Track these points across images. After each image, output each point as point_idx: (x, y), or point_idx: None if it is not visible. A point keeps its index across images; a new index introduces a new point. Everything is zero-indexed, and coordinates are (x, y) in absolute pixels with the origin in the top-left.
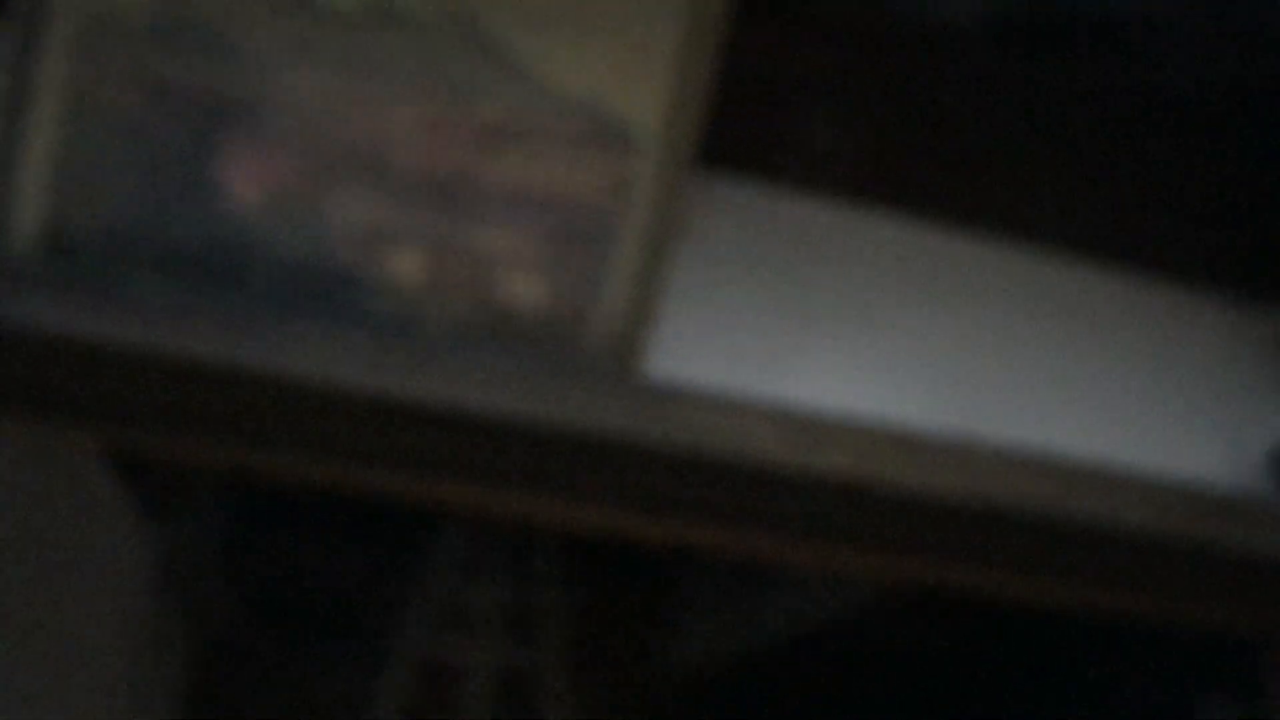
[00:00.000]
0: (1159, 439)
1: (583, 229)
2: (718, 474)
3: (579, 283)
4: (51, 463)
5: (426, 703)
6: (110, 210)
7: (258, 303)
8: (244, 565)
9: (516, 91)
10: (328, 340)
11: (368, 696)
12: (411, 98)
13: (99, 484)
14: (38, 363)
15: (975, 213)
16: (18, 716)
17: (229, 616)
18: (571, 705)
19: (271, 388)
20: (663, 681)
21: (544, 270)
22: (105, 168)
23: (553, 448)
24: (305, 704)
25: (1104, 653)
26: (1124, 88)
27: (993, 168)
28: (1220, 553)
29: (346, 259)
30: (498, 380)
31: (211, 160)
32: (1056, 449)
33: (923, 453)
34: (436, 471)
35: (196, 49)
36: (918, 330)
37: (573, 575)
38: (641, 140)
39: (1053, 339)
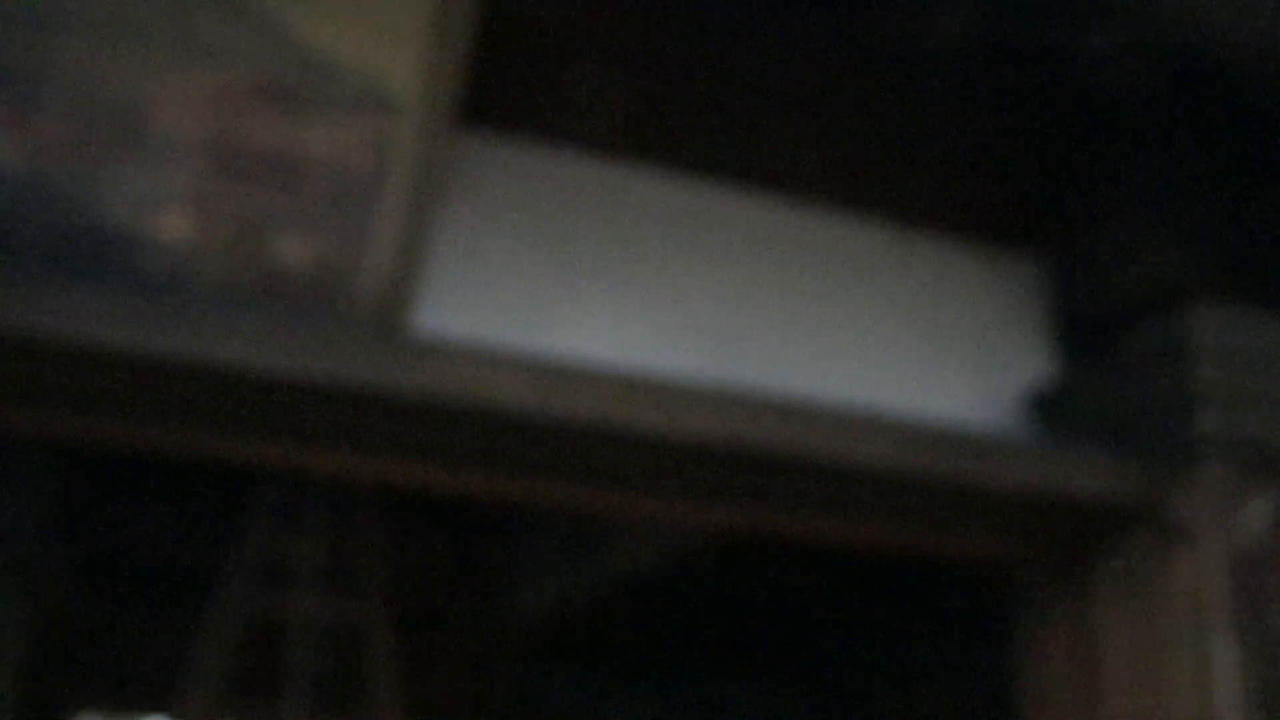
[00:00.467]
0: (918, 382)
1: (346, 189)
2: (475, 423)
3: (344, 241)
4: None
5: (252, 658)
6: None
7: (24, 264)
8: (63, 529)
9: (277, 55)
10: (94, 299)
11: (193, 653)
12: (174, 62)
13: None
14: None
15: (739, 168)
16: None
17: (49, 580)
18: (397, 657)
19: (34, 347)
20: (490, 632)
21: (309, 229)
22: None
23: (318, 401)
24: (132, 661)
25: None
26: (885, 46)
27: (756, 124)
28: (970, 488)
29: (114, 221)
30: (264, 336)
31: None
32: (816, 394)
33: (673, 398)
34: (206, 426)
35: None
36: (682, 282)
37: (397, 529)
38: (402, 101)
39: (814, 289)
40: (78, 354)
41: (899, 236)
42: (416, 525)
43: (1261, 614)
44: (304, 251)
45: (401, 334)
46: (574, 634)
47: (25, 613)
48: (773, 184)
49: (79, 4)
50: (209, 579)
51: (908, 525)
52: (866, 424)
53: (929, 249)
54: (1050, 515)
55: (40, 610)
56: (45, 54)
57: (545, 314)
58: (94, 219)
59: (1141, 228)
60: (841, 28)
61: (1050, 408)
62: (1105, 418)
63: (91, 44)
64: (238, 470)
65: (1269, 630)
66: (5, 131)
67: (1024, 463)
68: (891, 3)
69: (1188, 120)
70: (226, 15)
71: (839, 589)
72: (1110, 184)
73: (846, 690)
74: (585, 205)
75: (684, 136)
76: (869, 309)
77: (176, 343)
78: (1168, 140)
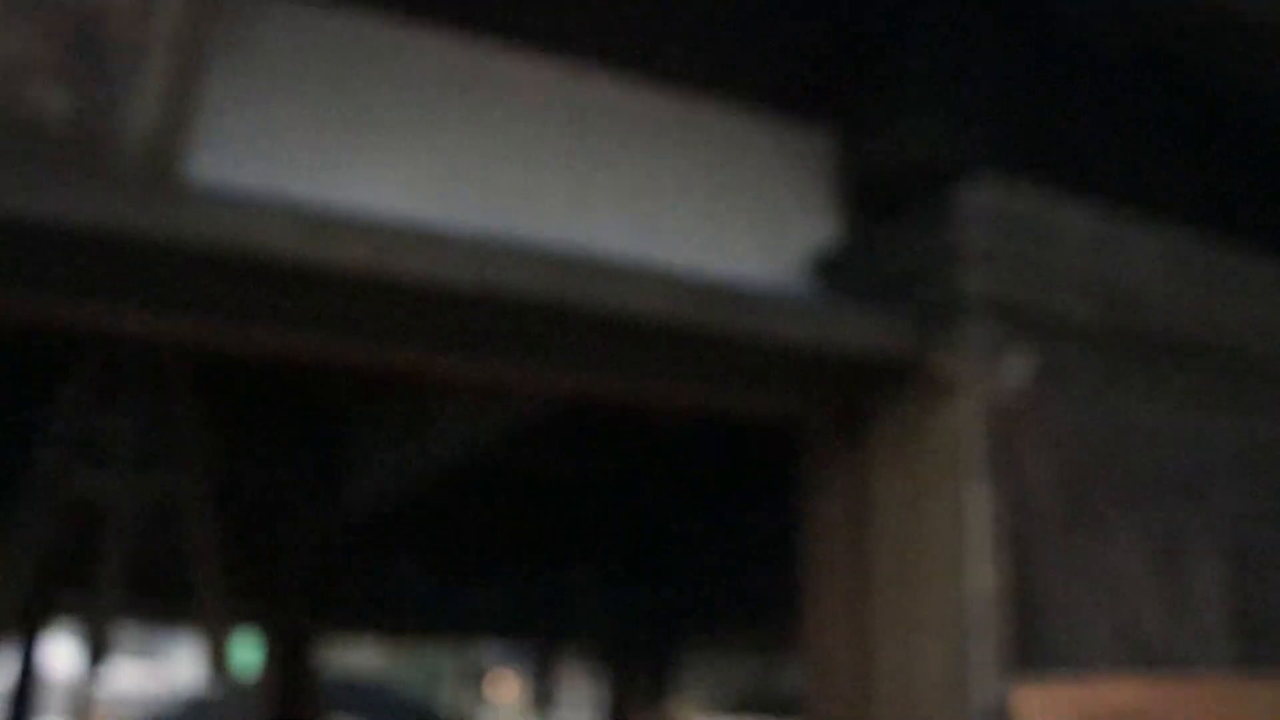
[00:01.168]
0: (701, 242)
1: (110, 37)
2: (245, 272)
3: (108, 90)
4: None
5: (69, 535)
6: None
7: None
8: None
9: None
10: None
11: (9, 531)
12: None
13: None
14: None
15: (522, 29)
16: None
17: None
18: (215, 533)
19: None
20: (328, 522)
21: (71, 79)
22: None
23: (83, 250)
24: None
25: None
26: None
27: None
28: (747, 342)
29: None
30: (23, 183)
31: None
32: (594, 248)
33: (445, 248)
34: None
35: None
36: (461, 138)
37: (226, 416)
38: None
39: (597, 149)
40: None
41: (688, 104)
42: (246, 410)
43: (1015, 463)
44: (65, 101)
45: (169, 182)
46: (410, 523)
47: None
48: (558, 47)
49: None
50: (20, 457)
51: (688, 382)
52: (642, 276)
53: (718, 116)
54: (826, 371)
55: None
56: None
57: (320, 166)
58: None
59: (923, 101)
60: None
61: (832, 270)
62: (881, 280)
63: None
64: (47, 344)
65: (1021, 478)
66: None
67: (799, 318)
68: None
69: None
70: None
71: (666, 468)
72: (896, 58)
73: (681, 570)
74: (364, 61)
75: None
76: (656, 170)
77: None
78: (952, 19)
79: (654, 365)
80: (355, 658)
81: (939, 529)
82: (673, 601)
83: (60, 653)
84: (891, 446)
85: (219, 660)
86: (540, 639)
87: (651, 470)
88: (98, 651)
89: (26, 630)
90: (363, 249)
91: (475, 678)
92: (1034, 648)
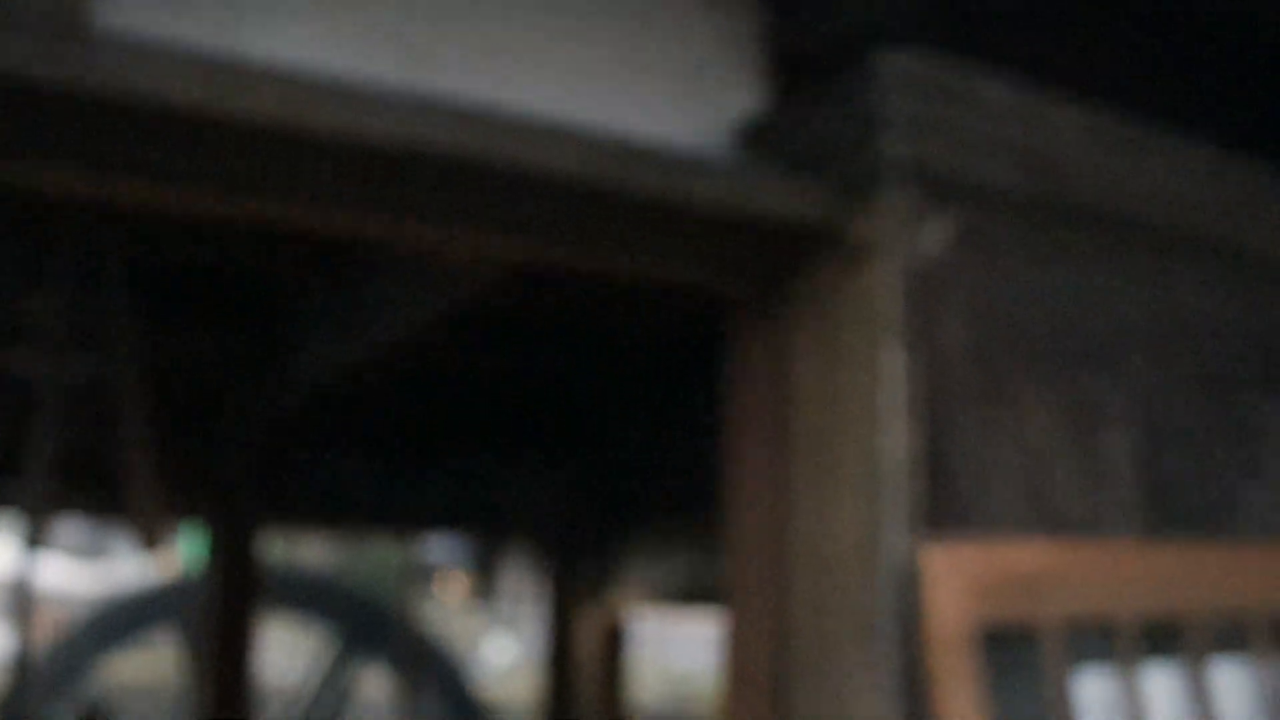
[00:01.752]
0: (621, 105)
1: None
2: (155, 125)
3: None
4: None
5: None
6: None
7: None
8: None
9: None
10: None
11: None
12: None
13: None
14: None
15: None
16: None
17: None
18: (149, 418)
19: None
20: (266, 415)
21: None
22: None
23: None
24: None
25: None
26: None
27: None
28: (662, 205)
29: None
30: None
31: None
32: (508, 104)
33: (355, 101)
34: None
35: None
36: None
37: (145, 291)
38: None
39: (529, 7)
40: None
41: None
42: (179, 299)
43: (932, 329)
44: None
45: (76, 30)
46: (350, 413)
47: None
48: None
49: None
50: None
51: (611, 248)
52: (562, 135)
53: None
54: (747, 237)
55: None
56: None
57: (233, 18)
58: None
59: None
60: None
61: (755, 138)
62: (804, 147)
63: None
64: None
65: (938, 344)
66: None
67: (721, 182)
68: None
69: None
70: None
71: (606, 359)
72: None
73: (622, 461)
74: None
75: None
76: (579, 30)
77: None
78: None
79: (576, 229)
80: (302, 555)
81: (855, 393)
82: (614, 493)
83: None
84: (811, 313)
85: (154, 548)
86: (483, 532)
87: (591, 361)
88: (34, 543)
89: None
90: (272, 99)
91: (423, 577)
92: (946, 510)
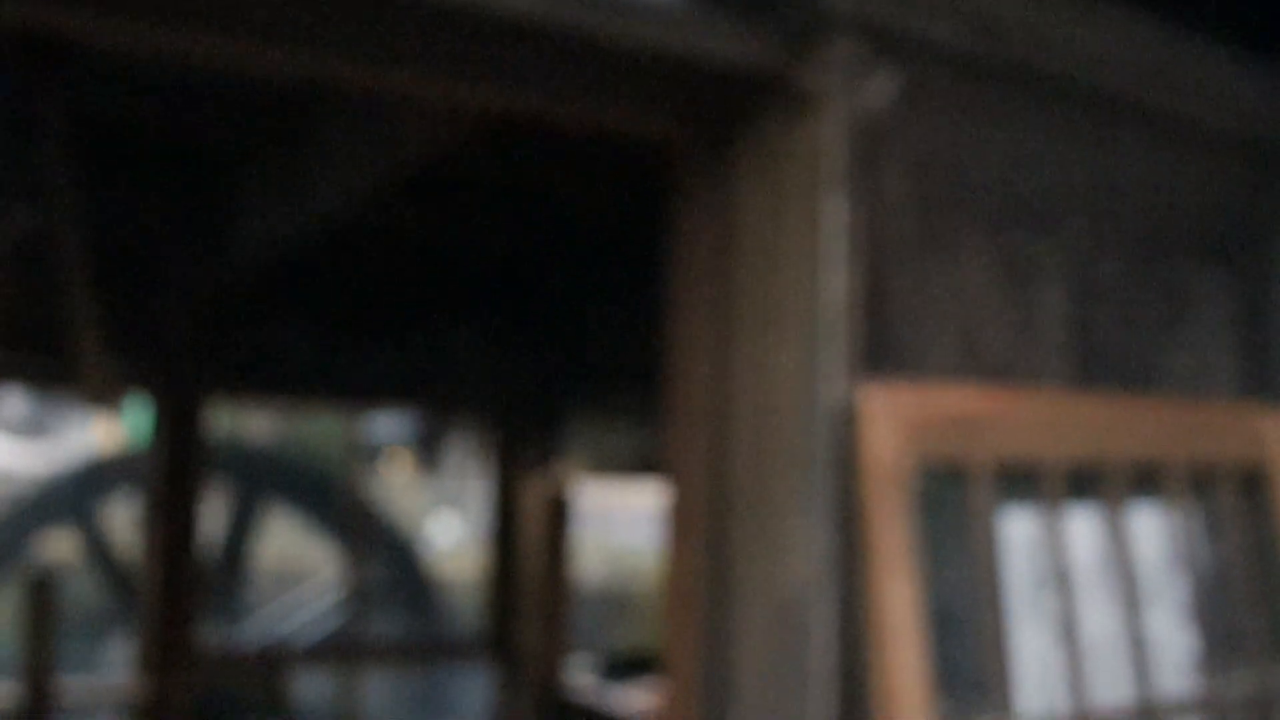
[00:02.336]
0: None
1: None
2: None
3: None
4: None
5: None
6: None
7: None
8: None
9: None
10: None
11: None
12: None
13: None
14: None
15: None
16: None
17: None
18: (90, 280)
19: None
20: (211, 285)
21: None
22: None
23: None
24: None
25: None
26: None
27: None
28: (609, 47)
29: None
30: None
31: None
32: None
33: None
34: None
35: None
36: None
37: (85, 153)
38: None
39: None
40: None
41: None
42: (122, 168)
43: (874, 179)
44: None
45: None
46: (295, 283)
47: None
48: None
49: None
50: None
51: (557, 93)
52: None
53: None
54: (694, 83)
55: None
56: None
57: None
58: None
59: None
60: None
61: None
62: None
63: None
64: None
65: (879, 194)
66: None
67: (669, 25)
68: None
69: None
70: None
71: (553, 229)
72: None
73: (566, 333)
74: None
75: None
76: None
77: None
78: None
79: (523, 73)
80: (249, 430)
81: (798, 240)
82: (558, 365)
83: None
84: (756, 161)
85: (104, 407)
86: (429, 406)
87: (540, 232)
88: None
89: None
90: None
91: (369, 454)
92: (883, 355)
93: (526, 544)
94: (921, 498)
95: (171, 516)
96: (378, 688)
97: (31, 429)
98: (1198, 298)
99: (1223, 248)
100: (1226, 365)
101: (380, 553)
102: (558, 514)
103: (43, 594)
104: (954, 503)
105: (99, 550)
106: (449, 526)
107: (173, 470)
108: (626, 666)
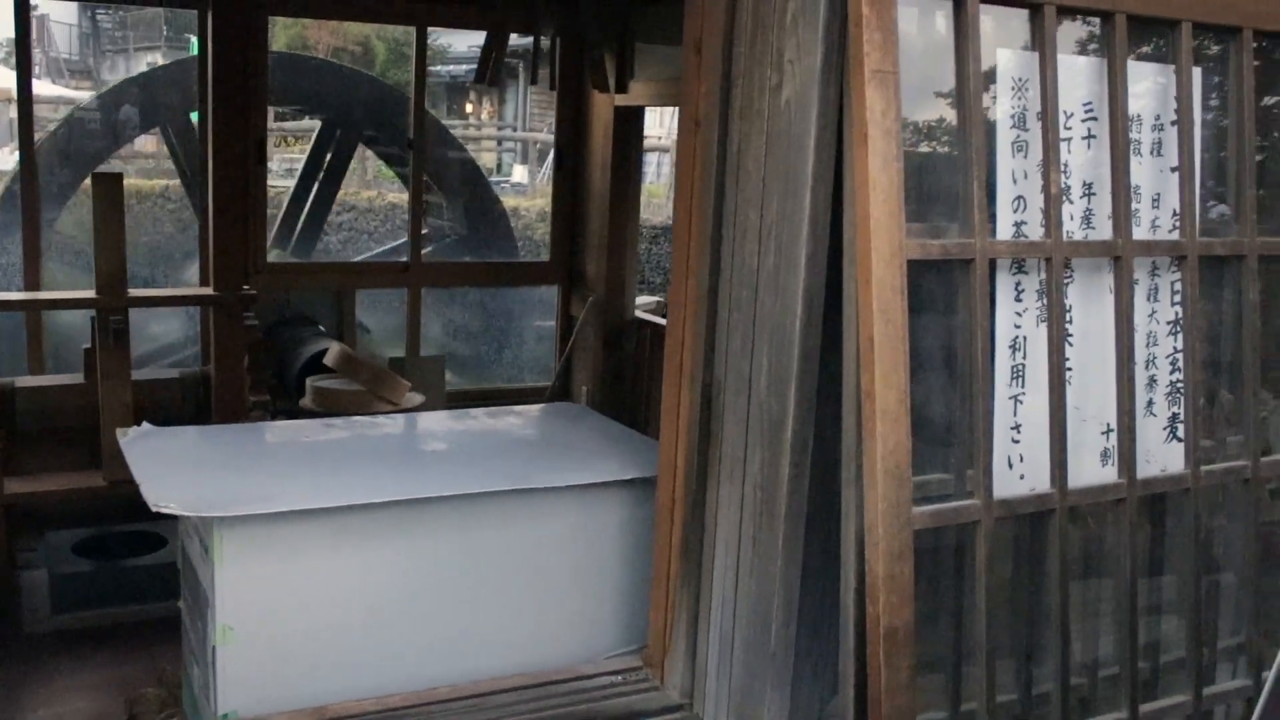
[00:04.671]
0: None
1: None
2: None
3: None
4: None
5: None
6: None
7: None
8: None
9: None
10: None
11: None
12: None
13: None
14: None
15: None
16: None
17: None
18: None
19: None
20: None
21: None
22: None
23: None
24: None
25: None
26: None
27: None
28: None
29: None
30: None
31: None
32: None
33: None
34: None
35: None
36: None
37: None
38: None
39: None
40: None
41: None
42: None
43: None
44: None
45: None
46: None
47: None
48: None
49: None
50: None
51: None
52: None
53: None
54: None
55: None
56: None
57: None
58: None
59: None
60: None
61: None
62: None
63: None
64: None
65: None
66: None
67: None
68: None
69: None
70: None
71: None
72: None
73: None
74: None
75: None
76: None
77: None
78: None
79: None
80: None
81: None
82: None
83: None
84: None
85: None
86: (496, 20)
87: None
88: None
89: None
90: None
91: (442, 94)
92: None
93: (595, 172)
94: None
95: (230, 125)
96: (445, 309)
97: (78, 71)
98: None
99: None
100: None
101: (455, 185)
102: (627, 129)
103: (111, 189)
104: None
105: (176, 157)
106: (518, 171)
107: (230, 81)
108: None
